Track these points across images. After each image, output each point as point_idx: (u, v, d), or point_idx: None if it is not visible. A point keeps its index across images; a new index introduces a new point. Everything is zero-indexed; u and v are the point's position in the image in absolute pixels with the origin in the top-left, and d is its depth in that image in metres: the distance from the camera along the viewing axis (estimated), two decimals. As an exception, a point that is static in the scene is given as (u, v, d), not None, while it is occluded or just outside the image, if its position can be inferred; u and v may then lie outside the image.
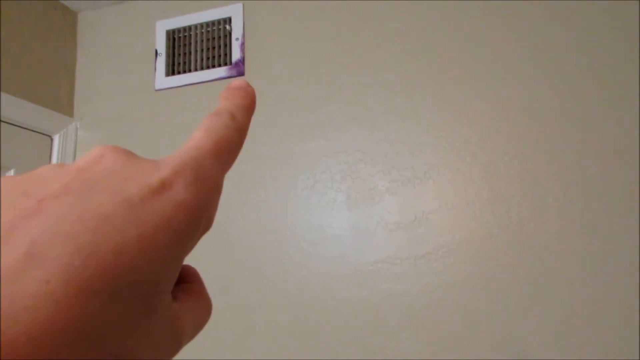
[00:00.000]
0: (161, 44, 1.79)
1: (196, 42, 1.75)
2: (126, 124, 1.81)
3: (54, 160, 1.79)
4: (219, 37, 1.73)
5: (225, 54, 1.71)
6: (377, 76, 1.52)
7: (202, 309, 0.21)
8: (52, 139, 1.81)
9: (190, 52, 1.76)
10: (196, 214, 0.18)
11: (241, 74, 1.66)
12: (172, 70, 1.77)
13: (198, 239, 0.19)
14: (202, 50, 1.74)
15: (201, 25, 1.75)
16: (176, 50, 1.79)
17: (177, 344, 0.18)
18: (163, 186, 0.17)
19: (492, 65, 1.41)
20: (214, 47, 1.73)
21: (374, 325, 1.39)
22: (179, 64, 1.77)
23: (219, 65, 1.70)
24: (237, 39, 1.68)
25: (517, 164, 1.34)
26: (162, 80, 1.76)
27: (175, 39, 1.79)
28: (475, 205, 1.37)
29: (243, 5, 1.71)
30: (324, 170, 1.53)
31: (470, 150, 1.39)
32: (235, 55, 1.68)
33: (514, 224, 1.33)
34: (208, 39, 1.74)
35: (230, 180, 1.62)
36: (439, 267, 1.36)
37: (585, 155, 1.30)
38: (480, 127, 1.39)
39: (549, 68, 1.36)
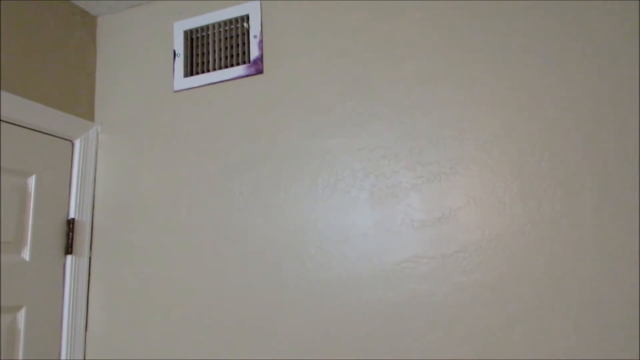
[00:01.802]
0: (179, 45, 1.77)
1: (214, 41, 1.73)
2: (146, 126, 1.80)
3: (75, 165, 1.79)
4: (237, 36, 1.70)
5: (244, 52, 1.68)
6: (398, 69, 1.47)
7: None
8: (73, 144, 1.81)
9: (208, 52, 1.74)
10: None
11: (260, 72, 1.63)
12: (190, 71, 1.75)
13: None
14: (220, 49, 1.72)
15: (219, 24, 1.73)
16: (194, 51, 1.77)
17: None
18: None
19: (519, 54, 1.35)
20: (232, 46, 1.70)
21: (400, 328, 1.34)
22: (197, 64, 1.75)
23: (238, 64, 1.67)
24: (255, 36, 1.65)
25: (549, 155, 1.27)
26: (180, 81, 1.75)
27: (193, 39, 1.78)
28: (505, 200, 1.30)
29: (260, 2, 1.68)
30: (346, 168, 1.48)
31: (499, 143, 1.33)
32: (254, 53, 1.65)
33: (546, 219, 1.26)
34: (226, 38, 1.72)
35: (250, 180, 1.59)
36: (468, 265, 1.30)
37: (622, 145, 1.22)
38: (508, 119, 1.33)
39: (581, 54, 1.29)
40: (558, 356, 1.19)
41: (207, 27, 1.75)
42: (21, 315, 1.58)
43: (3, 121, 1.56)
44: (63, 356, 1.68)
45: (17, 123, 1.60)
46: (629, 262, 1.17)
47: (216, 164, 1.65)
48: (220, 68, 1.70)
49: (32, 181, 1.65)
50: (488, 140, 1.34)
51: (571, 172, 1.25)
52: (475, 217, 1.32)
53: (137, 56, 1.87)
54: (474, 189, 1.33)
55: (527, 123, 1.31)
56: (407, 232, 1.38)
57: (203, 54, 1.75)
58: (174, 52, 1.78)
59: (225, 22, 1.72)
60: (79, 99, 1.84)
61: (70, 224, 1.74)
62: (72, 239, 1.73)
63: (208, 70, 1.72)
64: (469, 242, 1.31)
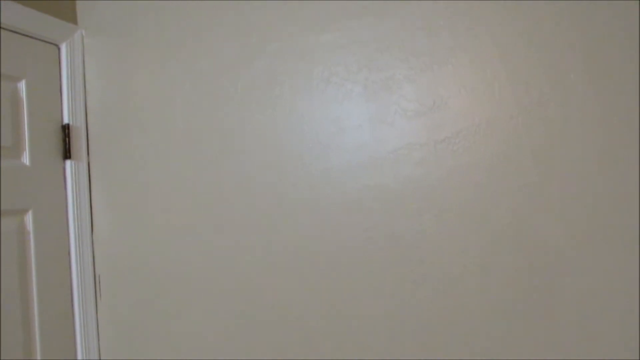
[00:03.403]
0: (161, -61, 1.70)
1: None
2: (133, 28, 1.76)
3: (64, 69, 1.77)
4: None
5: (229, -54, 1.63)
6: (391, -42, 1.45)
7: None
8: (59, 48, 1.78)
9: (192, -53, 1.68)
10: None
11: (248, -34, 1.59)
12: (174, -32, 1.70)
13: None
14: (204, -57, 1.66)
15: None
16: (177, -54, 1.70)
17: None
18: None
19: (512, -63, 1.34)
20: (216, -60, 1.64)
21: (396, 211, 1.43)
22: (181, -40, 1.70)
23: (224, -41, 1.63)
24: None
25: (537, 41, 1.31)
26: (165, -22, 1.70)
27: None
28: (494, 86, 1.35)
29: None
30: (340, 62, 1.50)
31: (490, 31, 1.36)
32: (240, -54, 1.60)
33: (534, 103, 1.32)
34: None
35: (244, 77, 1.60)
36: (459, 150, 1.38)
37: (611, 28, 1.26)
38: (499, 7, 1.35)
39: (572, -64, 1.29)
40: (548, 234, 1.31)
41: None
42: (29, 218, 1.64)
43: (-13, 23, 1.52)
44: (73, 255, 1.76)
45: None
46: (616, 143, 1.26)
47: (208, 62, 1.66)
48: (206, -37, 1.65)
49: (22, 86, 1.64)
50: (479, 29, 1.37)
51: (559, 56, 1.30)
52: (466, 104, 1.38)
53: (117, -47, 1.79)
54: (465, 77, 1.38)
55: (517, 9, 1.33)
56: (401, 122, 1.43)
57: (187, -52, 1.69)
58: (156, -53, 1.71)
59: None
60: (58, 1, 1.78)
61: (66, 129, 1.75)
62: (69, 144, 1.76)
63: (193, -34, 1.67)
64: (459, 128, 1.38)
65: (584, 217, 1.28)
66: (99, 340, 1.82)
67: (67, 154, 1.75)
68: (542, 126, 1.31)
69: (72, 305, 1.76)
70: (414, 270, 1.42)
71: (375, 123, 1.46)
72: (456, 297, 1.38)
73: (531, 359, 1.32)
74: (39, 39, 1.70)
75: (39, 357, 1.63)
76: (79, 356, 1.76)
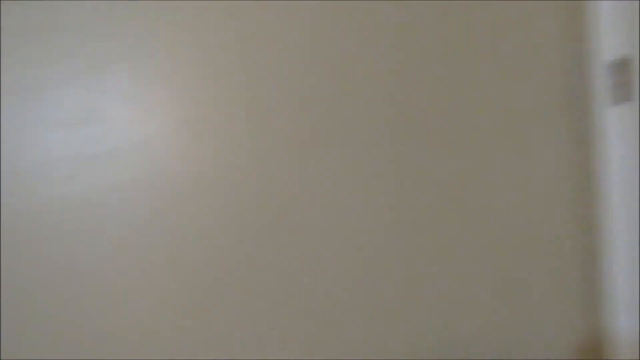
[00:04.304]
0: None
1: None
2: None
3: None
4: None
5: None
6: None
7: None
8: None
9: None
10: None
11: None
12: None
13: None
14: None
15: None
16: None
17: None
18: None
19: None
20: None
21: (43, 231, 1.29)
22: None
23: None
24: None
25: (196, 60, 1.31)
26: None
27: None
28: (153, 102, 1.31)
29: None
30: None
31: (148, 39, 1.30)
32: None
33: (193, 118, 1.32)
34: None
35: None
36: (115, 165, 1.30)
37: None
38: (155, 24, 1.31)
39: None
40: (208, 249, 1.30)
41: None
42: None
43: None
44: None
45: None
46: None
47: None
48: None
49: None
50: (139, 37, 1.30)
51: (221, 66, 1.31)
52: (127, 117, 1.31)
53: None
54: (125, 89, 1.31)
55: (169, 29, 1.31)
56: (52, 133, 1.29)
57: None
58: None
59: None
60: None
61: None
62: None
63: None
64: (118, 142, 1.30)
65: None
66: None
67: None
68: (202, 142, 1.32)
69: None
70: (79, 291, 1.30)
71: (27, 135, 1.29)
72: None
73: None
74: None
75: None
76: None
